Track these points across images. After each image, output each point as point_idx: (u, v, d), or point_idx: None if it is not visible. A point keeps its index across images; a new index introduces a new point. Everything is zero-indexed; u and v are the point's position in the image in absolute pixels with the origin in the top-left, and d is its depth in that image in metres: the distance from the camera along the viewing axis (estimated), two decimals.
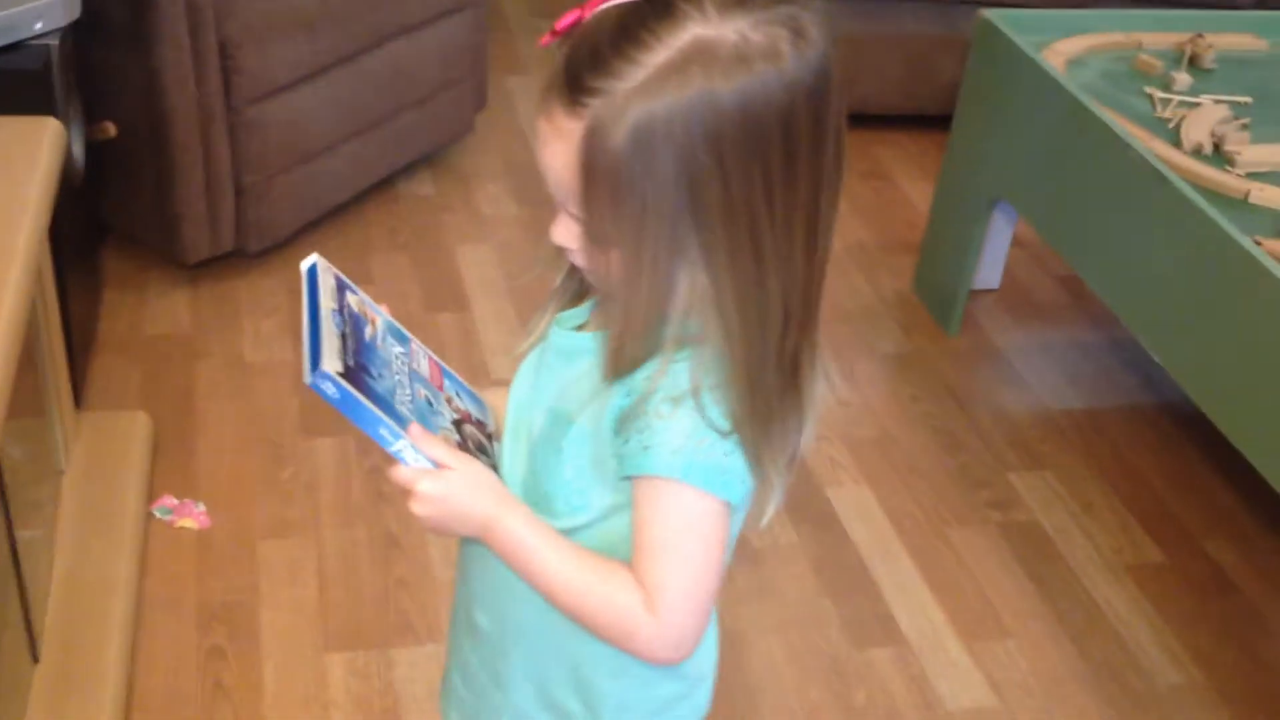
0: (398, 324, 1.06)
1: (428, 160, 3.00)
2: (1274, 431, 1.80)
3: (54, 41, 1.95)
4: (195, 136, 2.35)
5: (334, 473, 2.15)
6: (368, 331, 1.00)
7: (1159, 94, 2.38)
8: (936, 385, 2.52)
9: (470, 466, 0.97)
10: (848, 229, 2.99)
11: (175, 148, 2.34)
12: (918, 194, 3.14)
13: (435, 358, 1.07)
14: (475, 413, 1.07)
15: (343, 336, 0.96)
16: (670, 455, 0.90)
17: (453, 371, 1.08)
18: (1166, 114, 2.32)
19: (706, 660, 1.11)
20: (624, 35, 0.83)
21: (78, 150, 2.07)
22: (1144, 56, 2.50)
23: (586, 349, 0.97)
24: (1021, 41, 2.40)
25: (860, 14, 3.22)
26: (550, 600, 0.97)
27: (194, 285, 2.55)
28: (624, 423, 0.92)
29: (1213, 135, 2.23)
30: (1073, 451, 2.38)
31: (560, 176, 0.88)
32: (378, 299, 1.05)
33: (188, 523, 2.02)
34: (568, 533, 0.98)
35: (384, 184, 2.90)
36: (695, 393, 0.89)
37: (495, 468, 1.03)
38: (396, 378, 0.99)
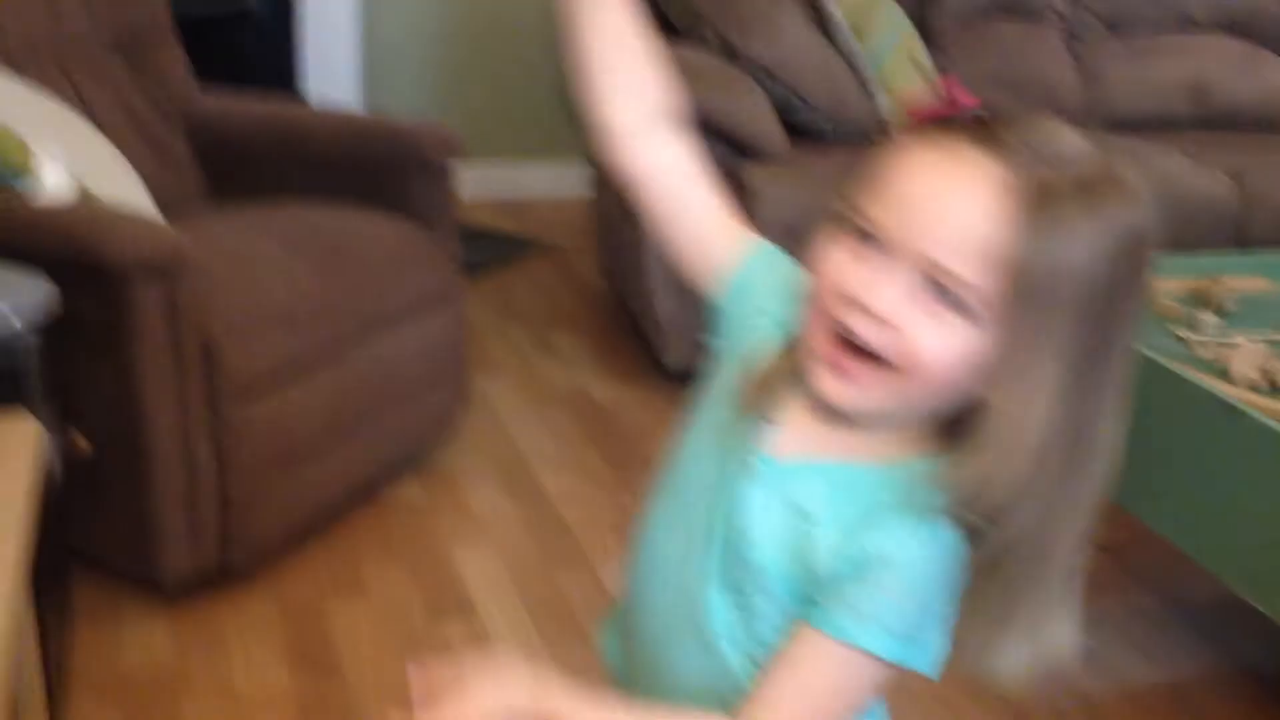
0: None
1: (412, 462, 2.80)
2: None
3: (31, 339, 1.76)
4: (176, 444, 2.13)
5: None
6: None
7: (1192, 336, 2.29)
8: None
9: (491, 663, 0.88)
10: None
11: (154, 459, 2.12)
12: None
13: None
14: None
15: None
16: (881, 630, 0.82)
17: None
18: (1207, 355, 2.22)
19: None
20: (1033, 122, 0.84)
21: (55, 463, 1.84)
22: (1164, 300, 2.42)
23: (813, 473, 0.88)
24: None
25: None
26: None
27: (174, 612, 2.26)
28: (840, 571, 0.83)
29: (1264, 372, 2.12)
30: None
31: (970, 225, 0.82)
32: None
33: None
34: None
35: (367, 489, 2.68)
36: (935, 511, 0.84)
37: None
38: None
